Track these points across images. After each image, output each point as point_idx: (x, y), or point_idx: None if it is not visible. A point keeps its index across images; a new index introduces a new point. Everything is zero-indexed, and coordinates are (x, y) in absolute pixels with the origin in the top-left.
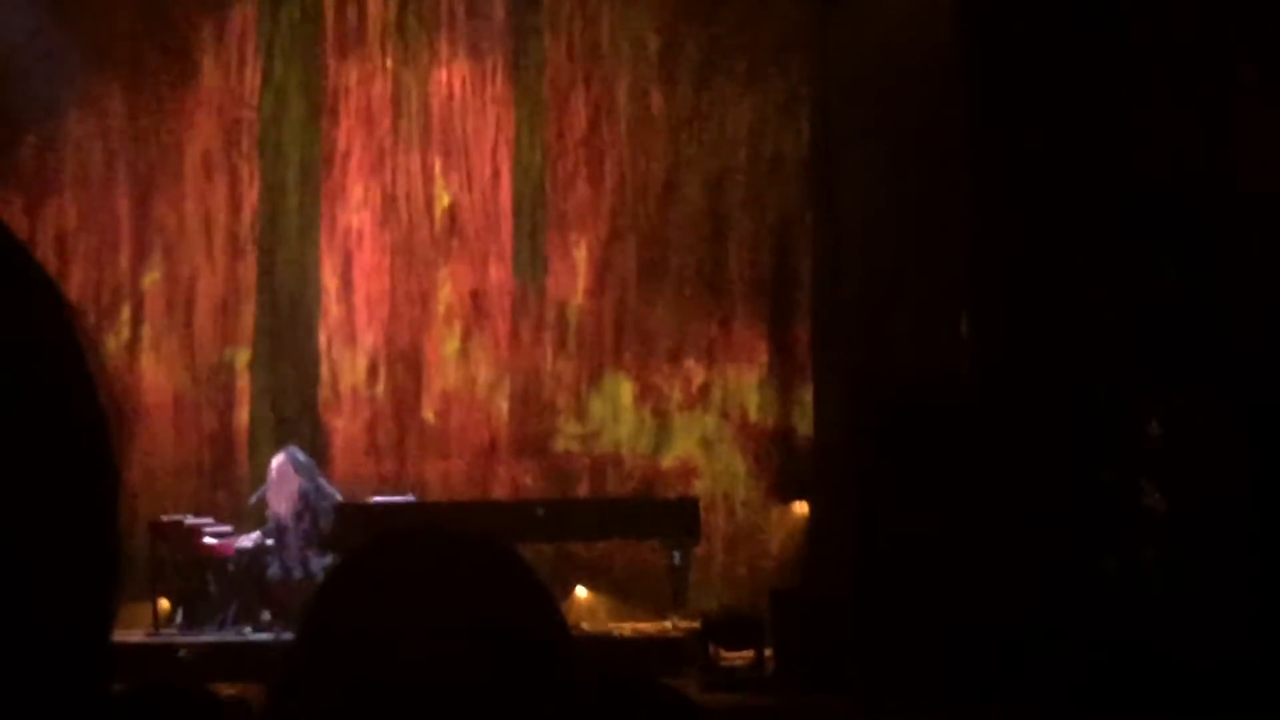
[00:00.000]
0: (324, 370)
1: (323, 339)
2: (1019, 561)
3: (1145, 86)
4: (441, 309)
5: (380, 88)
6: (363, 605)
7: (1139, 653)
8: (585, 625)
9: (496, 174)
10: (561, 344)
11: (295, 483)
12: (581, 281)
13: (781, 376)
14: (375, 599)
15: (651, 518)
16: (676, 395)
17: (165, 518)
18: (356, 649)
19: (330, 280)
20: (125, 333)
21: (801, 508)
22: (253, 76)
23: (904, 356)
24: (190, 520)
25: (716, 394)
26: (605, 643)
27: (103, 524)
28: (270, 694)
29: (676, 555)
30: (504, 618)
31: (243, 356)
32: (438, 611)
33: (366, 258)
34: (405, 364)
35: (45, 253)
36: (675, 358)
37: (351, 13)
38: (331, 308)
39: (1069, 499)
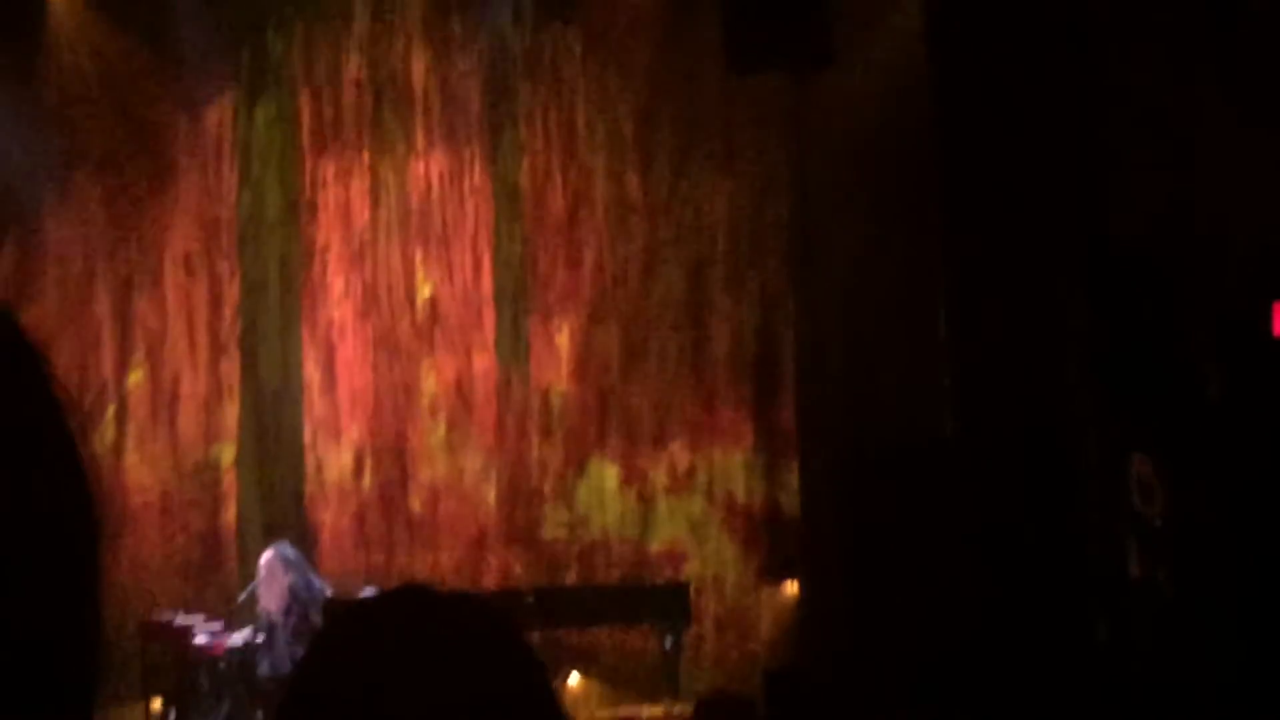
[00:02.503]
0: (309, 464)
1: (307, 433)
2: (1011, 633)
3: (1120, 147)
4: (426, 400)
5: (358, 181)
6: (352, 663)
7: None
8: (579, 712)
9: (477, 263)
10: (546, 431)
11: (284, 579)
12: (564, 367)
13: (767, 456)
14: (364, 658)
15: (642, 602)
16: (662, 479)
17: (155, 617)
18: (345, 708)
19: (313, 374)
20: (110, 434)
21: (792, 587)
22: (230, 175)
23: (888, 432)
24: (180, 619)
25: (702, 476)
26: None
27: (88, 624)
28: None
29: (668, 639)
30: (494, 677)
31: (228, 454)
32: (426, 668)
33: (349, 351)
34: (391, 456)
35: None
36: (660, 441)
37: (327, 108)
38: (315, 402)
39: (1059, 567)
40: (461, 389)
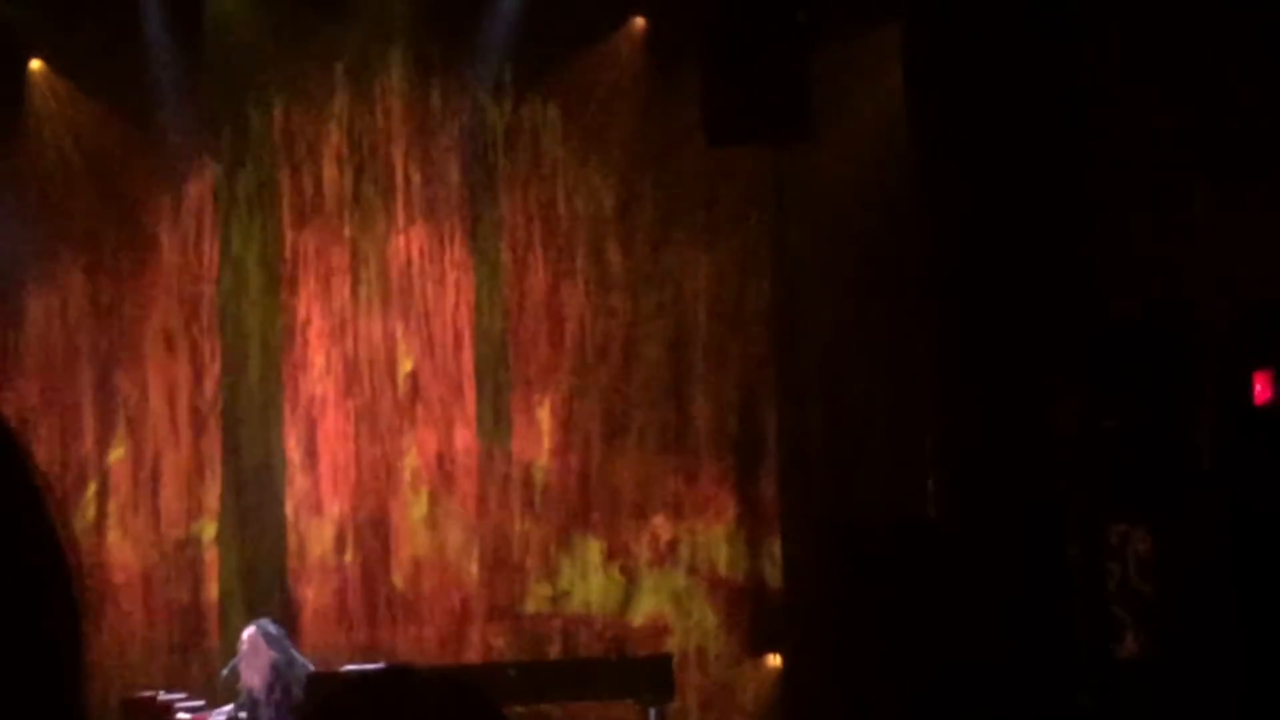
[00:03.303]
0: (291, 541)
1: (289, 509)
2: (997, 710)
3: (1106, 214)
4: (407, 475)
5: (338, 257)
6: None
7: None
8: None
9: (458, 338)
10: (529, 505)
11: (267, 655)
12: (546, 442)
13: (750, 529)
14: None
15: (625, 676)
16: (645, 552)
17: (137, 694)
18: None
19: (295, 450)
20: (91, 511)
21: (775, 660)
22: (211, 250)
23: (871, 504)
24: (163, 696)
25: (685, 549)
26: None
27: (70, 702)
28: None
29: (652, 713)
30: None
31: (210, 530)
32: None
33: (330, 426)
34: (373, 531)
35: None
36: (642, 515)
37: (308, 183)
38: (297, 478)
39: (1043, 634)
40: (443, 464)
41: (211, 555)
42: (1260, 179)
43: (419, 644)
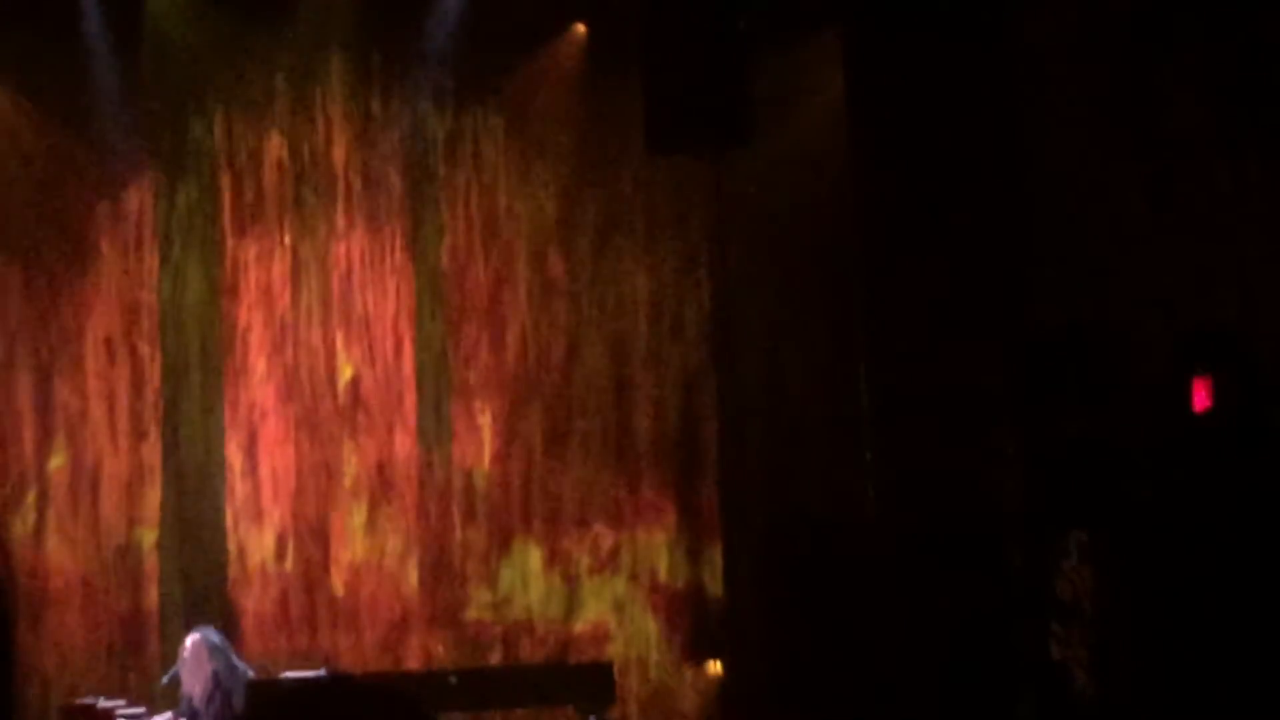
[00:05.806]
0: (232, 547)
1: (229, 516)
2: (937, 711)
3: (1045, 223)
4: (348, 482)
5: (279, 263)
6: None
7: None
8: None
9: (398, 345)
10: (470, 512)
11: (209, 665)
12: (487, 449)
13: (691, 537)
14: None
15: (565, 683)
16: (586, 559)
17: (76, 701)
18: None
19: (235, 457)
20: (31, 518)
21: (715, 667)
22: (151, 258)
23: (810, 511)
24: (102, 703)
25: (626, 557)
26: None
27: (3, 709)
28: None
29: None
30: None
31: (150, 537)
32: None
33: (271, 433)
34: (313, 538)
35: None
36: (583, 522)
37: (249, 190)
38: (237, 485)
39: (983, 644)
40: (383, 471)
41: (151, 562)
42: (1196, 196)
43: (359, 651)
